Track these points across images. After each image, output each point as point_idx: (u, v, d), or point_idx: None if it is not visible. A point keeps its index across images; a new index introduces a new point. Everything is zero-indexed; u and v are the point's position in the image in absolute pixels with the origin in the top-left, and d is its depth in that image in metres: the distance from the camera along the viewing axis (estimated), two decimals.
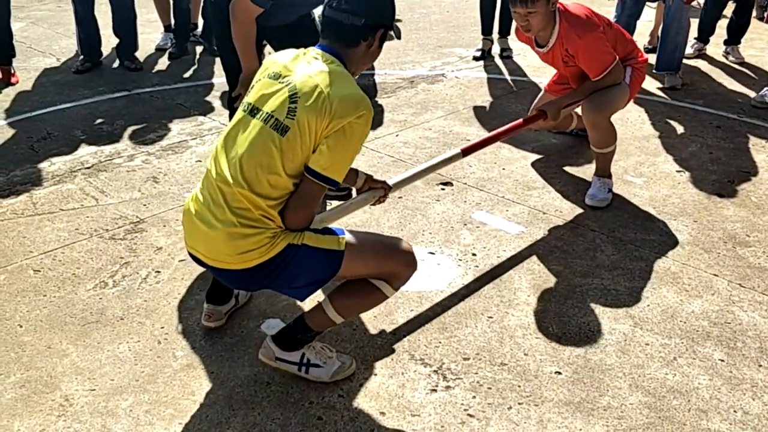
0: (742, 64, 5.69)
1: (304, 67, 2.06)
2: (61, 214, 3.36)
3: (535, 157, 4.00)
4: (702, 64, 5.68)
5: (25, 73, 5.41)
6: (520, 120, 3.32)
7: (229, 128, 2.12)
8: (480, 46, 5.90)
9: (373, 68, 5.35)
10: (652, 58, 5.16)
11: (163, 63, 5.76)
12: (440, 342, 2.52)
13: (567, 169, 3.86)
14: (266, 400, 2.26)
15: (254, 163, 1.99)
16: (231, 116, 3.21)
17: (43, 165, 3.88)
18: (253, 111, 2.07)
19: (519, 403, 2.25)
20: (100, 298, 2.75)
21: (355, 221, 3.24)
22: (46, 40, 6.36)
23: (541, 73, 5.31)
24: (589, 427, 2.16)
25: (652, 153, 4.06)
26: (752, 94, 4.94)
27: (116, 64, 5.61)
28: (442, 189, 3.62)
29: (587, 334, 2.57)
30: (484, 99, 4.95)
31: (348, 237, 2.14)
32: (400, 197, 3.50)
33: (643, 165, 3.91)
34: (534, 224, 3.29)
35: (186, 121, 4.53)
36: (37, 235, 3.18)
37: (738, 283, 2.86)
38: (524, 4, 3.11)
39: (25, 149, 4.09)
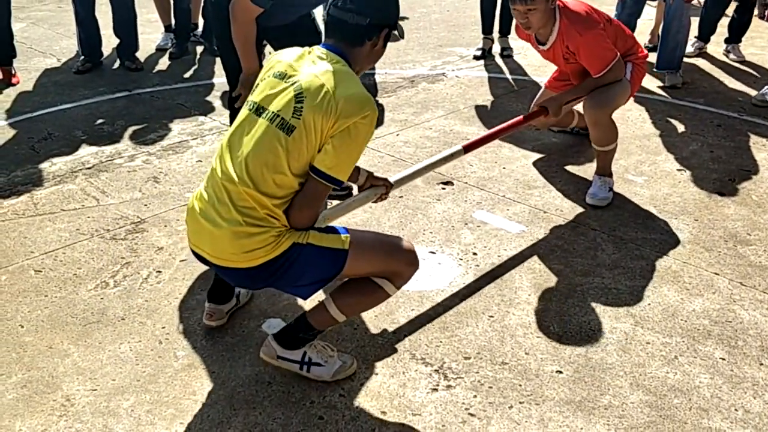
0: (743, 62, 5.68)
1: (310, 67, 2.06)
2: (62, 215, 3.36)
3: (536, 156, 4.00)
4: (702, 63, 5.68)
5: (26, 73, 5.42)
6: (522, 116, 3.32)
7: (234, 127, 2.13)
8: (480, 45, 5.90)
9: (373, 68, 5.35)
10: (652, 57, 5.16)
11: (163, 63, 5.76)
12: (441, 341, 2.52)
13: (568, 168, 3.86)
14: (267, 399, 2.26)
15: (260, 162, 2.00)
16: (231, 116, 3.21)
17: (44, 165, 3.88)
18: (258, 110, 2.07)
19: (520, 402, 2.25)
20: (101, 299, 2.76)
21: (356, 221, 3.24)
22: (46, 41, 6.37)
23: (541, 72, 5.31)
24: (590, 425, 2.16)
25: (653, 152, 4.06)
26: (753, 92, 4.94)
27: (117, 64, 5.62)
28: (443, 188, 3.62)
29: (588, 333, 2.57)
30: (485, 98, 4.95)
31: (352, 236, 2.15)
32: (400, 196, 3.50)
33: (643, 164, 3.91)
34: (535, 223, 3.29)
35: (187, 121, 4.53)
36: (38, 235, 3.19)
37: (739, 282, 2.86)
38: (524, 1, 3.11)
39: (26, 150, 4.09)
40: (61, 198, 3.52)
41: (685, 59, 5.37)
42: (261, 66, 3.05)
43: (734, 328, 2.59)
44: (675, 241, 3.15)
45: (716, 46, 5.91)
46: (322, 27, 3.33)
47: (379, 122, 4.48)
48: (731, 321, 2.63)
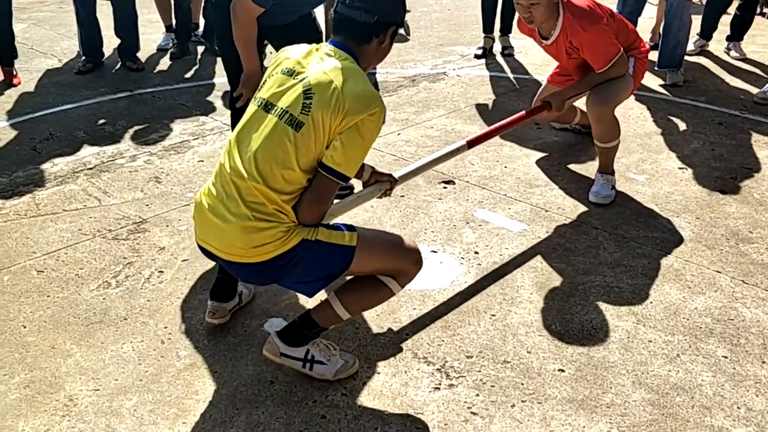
0: (744, 60, 5.68)
1: (318, 64, 2.08)
2: (64, 215, 3.37)
3: (538, 154, 4.00)
4: (704, 61, 5.68)
5: (27, 74, 5.42)
6: (524, 111, 3.31)
7: (242, 123, 2.14)
8: (481, 44, 5.90)
9: (374, 67, 5.34)
10: (653, 56, 5.16)
11: (164, 63, 5.77)
12: (443, 340, 2.53)
13: (569, 166, 3.86)
14: (270, 399, 2.26)
15: (269, 158, 2.01)
16: (233, 116, 3.21)
17: (46, 166, 3.89)
18: (267, 106, 2.09)
19: (522, 401, 2.25)
20: (104, 299, 2.76)
21: (357, 220, 3.24)
22: (47, 42, 6.37)
23: (542, 70, 5.31)
24: (593, 424, 2.16)
25: (654, 150, 4.06)
26: (754, 90, 4.93)
27: (118, 64, 5.62)
28: (444, 187, 3.62)
29: (590, 331, 2.57)
30: (486, 97, 4.95)
31: (359, 233, 2.16)
32: (402, 196, 3.50)
33: (645, 162, 3.91)
34: (536, 222, 3.29)
35: (188, 121, 4.53)
36: (40, 235, 3.19)
37: (741, 280, 2.86)
38: None
39: (28, 150, 4.10)
40: (62, 198, 3.53)
41: (686, 57, 5.36)
42: (262, 66, 3.05)
43: (736, 326, 2.59)
44: (677, 240, 3.15)
45: (717, 44, 5.90)
46: (323, 26, 3.35)
47: None
48: (733, 319, 2.63)
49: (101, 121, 4.53)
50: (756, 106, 4.69)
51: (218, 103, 4.86)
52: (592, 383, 2.32)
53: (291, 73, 2.09)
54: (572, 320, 2.63)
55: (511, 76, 5.41)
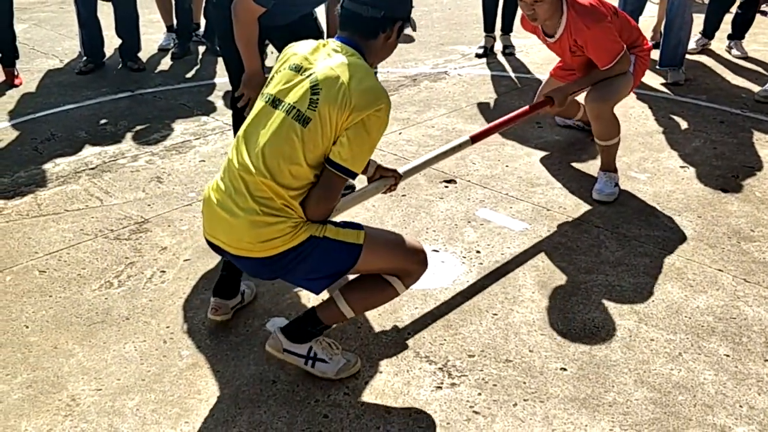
0: (746, 58, 5.68)
1: (325, 59, 2.09)
2: (66, 215, 3.37)
3: (539, 153, 4.00)
4: (705, 59, 5.67)
5: (29, 74, 5.43)
6: (527, 106, 3.31)
7: (249, 119, 2.15)
8: (482, 43, 5.90)
9: (375, 66, 5.34)
10: (654, 54, 5.15)
11: (165, 63, 5.77)
12: (445, 339, 2.53)
13: (570, 165, 3.86)
14: (272, 398, 2.27)
15: (276, 153, 2.02)
16: (234, 116, 3.21)
17: (48, 166, 3.89)
18: (274, 102, 2.10)
19: (524, 400, 2.25)
20: (106, 298, 2.76)
21: (358, 219, 3.24)
22: (49, 42, 6.38)
23: (544, 69, 5.31)
24: (595, 422, 2.16)
25: (656, 149, 4.05)
26: (756, 88, 4.93)
27: (119, 65, 5.62)
28: (446, 186, 3.62)
29: (592, 330, 2.57)
30: (487, 96, 4.95)
31: (366, 232, 2.17)
32: (403, 195, 3.50)
33: (646, 161, 3.90)
34: (538, 221, 3.29)
35: (189, 121, 4.53)
36: (42, 236, 3.19)
37: (743, 278, 2.86)
38: None
39: (29, 150, 4.10)
40: (64, 198, 3.53)
41: (688, 56, 5.36)
42: (263, 66, 3.06)
43: (738, 325, 2.59)
44: (678, 238, 3.14)
45: (719, 42, 5.90)
46: (324, 26, 3.35)
47: None
48: (735, 317, 2.63)
49: (103, 121, 4.54)
50: (757, 104, 4.69)
51: (219, 103, 4.86)
52: (594, 382, 2.32)
53: (298, 69, 2.11)
54: (574, 319, 2.63)
55: (512, 75, 5.41)
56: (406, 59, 5.80)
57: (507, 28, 5.89)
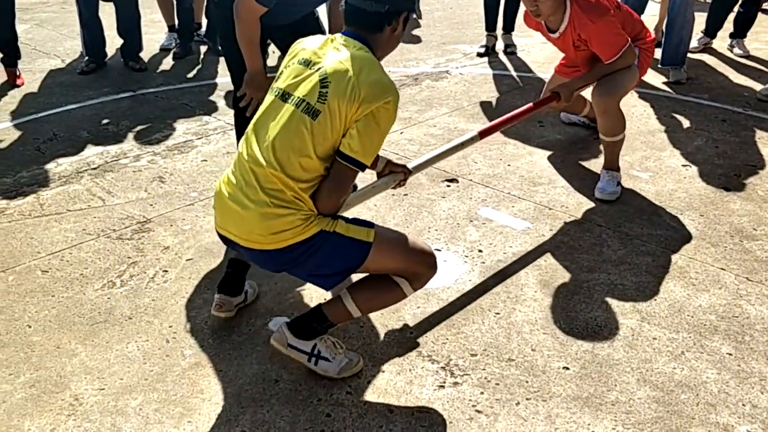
0: (747, 57, 5.67)
1: (334, 53, 2.11)
2: (68, 215, 3.37)
3: (541, 152, 4.00)
4: (707, 58, 5.67)
5: (31, 74, 5.43)
6: (533, 103, 3.31)
7: (259, 113, 2.17)
8: (484, 43, 5.90)
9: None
10: (656, 54, 5.14)
11: (167, 63, 5.77)
12: (447, 338, 2.53)
13: (572, 164, 3.86)
14: (275, 397, 2.27)
15: (286, 146, 2.04)
16: (236, 116, 3.21)
17: (50, 166, 3.89)
18: (284, 96, 2.12)
19: (527, 399, 2.25)
20: (108, 298, 2.77)
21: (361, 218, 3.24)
22: (50, 42, 6.38)
23: (545, 68, 5.31)
24: (598, 421, 2.16)
25: (658, 148, 4.05)
26: (758, 87, 4.92)
27: (121, 65, 5.63)
28: (448, 186, 3.62)
29: (594, 329, 2.57)
30: (489, 95, 4.95)
31: (377, 230, 2.18)
32: (405, 194, 3.50)
33: (648, 160, 3.90)
34: (540, 220, 3.29)
35: (191, 121, 4.54)
36: (45, 235, 3.20)
37: (745, 277, 2.86)
38: None
39: (32, 150, 4.11)
40: (66, 198, 3.53)
41: (689, 54, 5.35)
42: (265, 65, 3.06)
43: (741, 324, 2.59)
44: (681, 237, 3.14)
45: (720, 41, 5.89)
46: (326, 26, 3.35)
47: None
48: (738, 316, 2.63)
49: (105, 121, 4.54)
50: (759, 103, 4.69)
51: (221, 103, 4.86)
52: (596, 381, 2.32)
53: (307, 64, 2.13)
54: (576, 318, 2.63)
55: (514, 74, 5.41)
56: (407, 58, 5.80)
57: (508, 27, 5.89)
